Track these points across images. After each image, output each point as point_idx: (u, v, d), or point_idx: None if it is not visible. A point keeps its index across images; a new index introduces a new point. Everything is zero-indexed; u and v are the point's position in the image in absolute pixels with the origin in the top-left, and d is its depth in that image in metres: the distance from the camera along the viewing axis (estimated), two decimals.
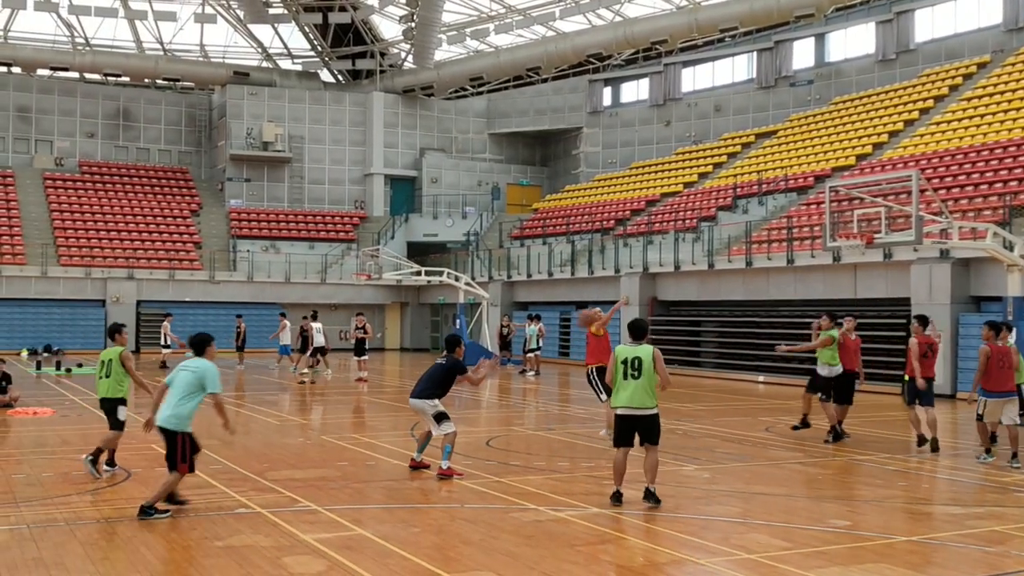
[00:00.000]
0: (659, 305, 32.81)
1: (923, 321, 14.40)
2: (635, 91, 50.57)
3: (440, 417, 11.61)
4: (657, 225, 36.56)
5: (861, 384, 15.23)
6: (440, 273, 36.93)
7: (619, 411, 10.01)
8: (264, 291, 42.89)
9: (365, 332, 27.49)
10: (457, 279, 36.35)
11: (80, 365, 29.54)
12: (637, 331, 10.16)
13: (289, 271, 43.98)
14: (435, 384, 11.88)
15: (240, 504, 9.77)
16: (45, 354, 34.13)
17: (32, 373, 27.82)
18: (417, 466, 11.91)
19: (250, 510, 9.51)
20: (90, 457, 11.31)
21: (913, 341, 14.19)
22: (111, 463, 11.70)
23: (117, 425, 11.54)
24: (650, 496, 9.88)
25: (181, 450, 9.26)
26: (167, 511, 9.19)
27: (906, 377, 14.44)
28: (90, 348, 38.14)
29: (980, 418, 13.02)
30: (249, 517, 9.22)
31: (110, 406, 11.53)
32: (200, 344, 9.73)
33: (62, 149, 48.86)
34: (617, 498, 9.92)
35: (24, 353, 35.37)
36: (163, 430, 9.33)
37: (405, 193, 51.08)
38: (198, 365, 9.54)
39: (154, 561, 7.64)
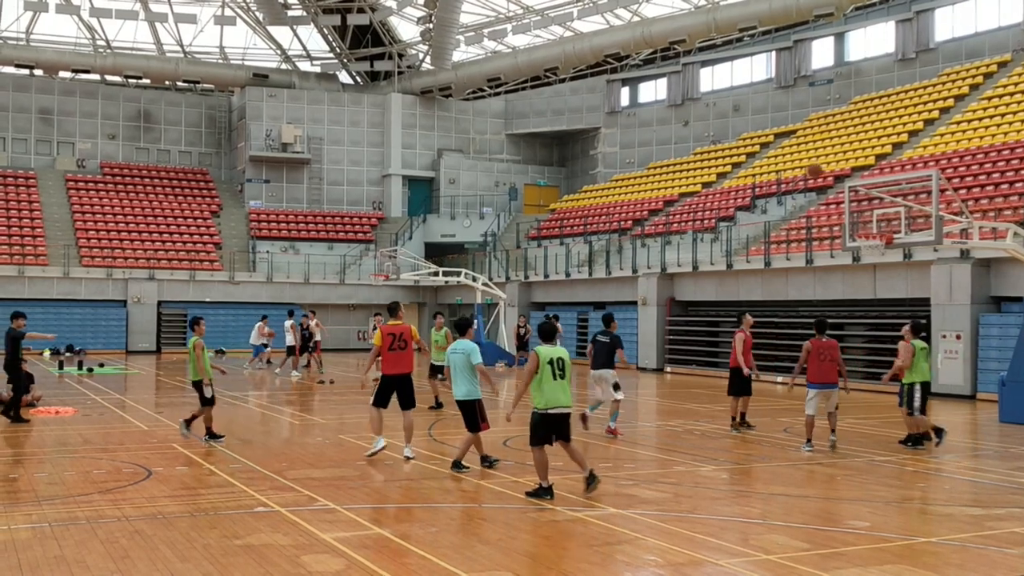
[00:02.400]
0: (677, 305, 32.74)
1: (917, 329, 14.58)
2: (653, 91, 50.49)
3: (617, 385, 14.77)
4: (675, 225, 36.48)
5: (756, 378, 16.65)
6: (457, 274, 37.01)
7: (552, 411, 10.21)
8: (283, 292, 43.08)
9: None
10: (474, 280, 36.42)
11: (102, 365, 29.77)
12: (549, 334, 10.54)
13: (308, 272, 44.17)
14: (609, 356, 14.87)
15: (259, 503, 9.83)
16: (67, 354, 34.40)
17: (54, 373, 28.05)
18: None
19: (269, 509, 9.57)
20: (184, 420, 14.43)
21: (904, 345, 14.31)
22: (211, 435, 14.08)
23: (205, 402, 14.12)
24: (593, 479, 10.29)
25: (480, 413, 11.73)
26: (469, 467, 11.76)
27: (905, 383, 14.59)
28: (112, 348, 38.48)
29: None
30: (268, 516, 9.28)
31: (194, 387, 14.28)
32: (463, 327, 12.23)
33: (84, 151, 49.25)
34: (550, 492, 10.12)
35: (47, 353, 35.67)
36: (462, 403, 11.74)
37: (423, 194, 51.20)
38: (464, 346, 11.85)
39: (174, 559, 7.71)
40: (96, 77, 50.15)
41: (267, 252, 44.97)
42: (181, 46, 50.72)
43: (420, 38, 50.12)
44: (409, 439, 12.76)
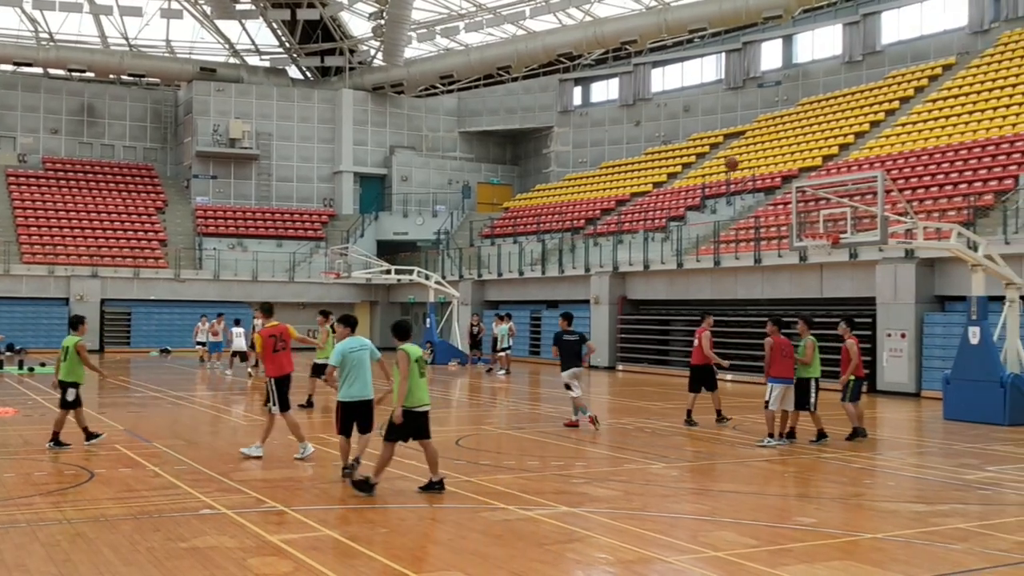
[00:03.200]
0: (629, 304, 32.91)
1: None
2: (605, 91, 50.71)
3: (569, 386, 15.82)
4: (627, 224, 36.67)
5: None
6: (410, 272, 36.83)
7: (417, 408, 10.27)
8: (231, 290, 42.51)
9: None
10: (427, 278, 36.27)
11: (43, 364, 29.13)
12: (406, 332, 10.60)
13: (257, 269, 43.64)
14: (577, 354, 15.98)
15: (205, 505, 9.67)
16: (8, 353, 33.60)
17: None
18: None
19: (215, 511, 9.41)
20: (51, 443, 13.17)
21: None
22: (56, 442, 13.20)
23: (65, 405, 13.43)
24: (436, 486, 10.34)
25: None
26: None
27: (853, 378, 14.98)
28: (53, 347, 37.55)
29: (767, 404, 14.24)
30: (214, 518, 9.13)
31: (61, 387, 13.48)
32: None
33: (25, 145, 48.17)
34: (373, 488, 10.29)
35: None
36: (365, 402, 11.02)
37: (375, 191, 50.87)
38: (365, 343, 11.29)
39: (117, 563, 7.54)
40: (39, 70, 49.09)
41: (214, 249, 44.32)
42: (126, 39, 49.79)
43: (372, 34, 49.75)
44: (302, 438, 12.75)
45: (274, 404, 12.66)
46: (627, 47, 45.59)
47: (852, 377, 14.94)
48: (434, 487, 10.35)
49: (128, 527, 8.72)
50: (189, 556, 7.77)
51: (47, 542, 8.16)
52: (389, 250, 46.45)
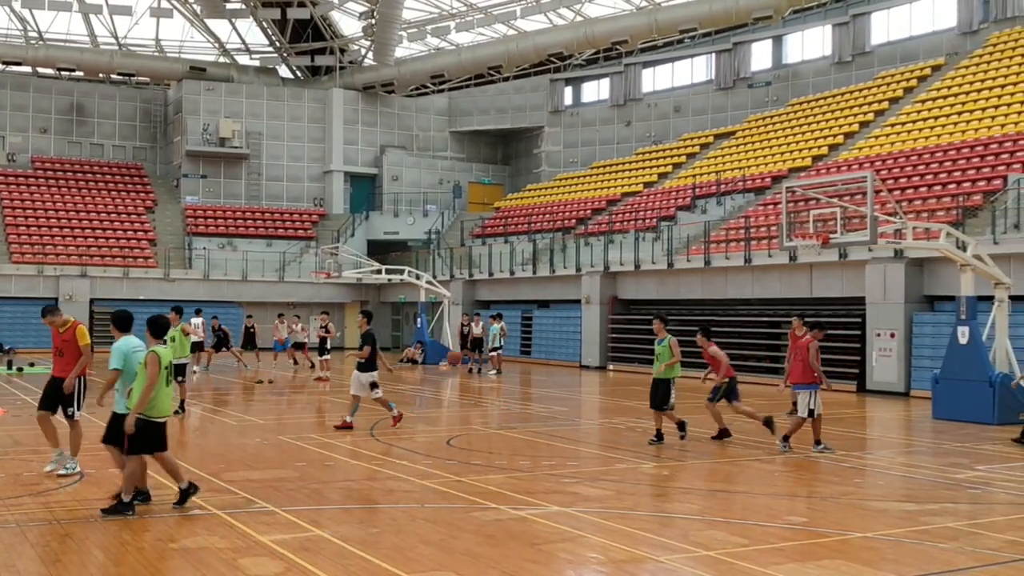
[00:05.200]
0: (619, 304, 32.95)
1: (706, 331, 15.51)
2: (596, 91, 50.75)
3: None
4: (618, 224, 36.71)
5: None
6: (401, 271, 36.80)
7: (162, 419, 9.42)
8: (221, 289, 42.39)
9: (327, 332, 27.34)
10: (418, 277, 36.24)
11: (32, 364, 29.01)
12: (163, 329, 9.74)
13: (246, 269, 43.54)
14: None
15: (195, 505, 9.63)
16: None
17: None
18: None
19: (206, 511, 9.39)
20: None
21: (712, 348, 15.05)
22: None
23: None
24: (190, 490, 9.50)
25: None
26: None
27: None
28: (42, 347, 37.43)
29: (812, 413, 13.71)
30: (205, 518, 9.11)
31: None
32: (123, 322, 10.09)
33: (14, 144, 47.94)
34: (148, 497, 9.57)
35: None
36: (123, 416, 9.48)
37: (365, 191, 50.80)
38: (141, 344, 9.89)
39: (107, 563, 7.52)
40: (28, 69, 48.87)
41: (204, 249, 44.18)
42: (116, 38, 49.60)
43: (362, 33, 49.70)
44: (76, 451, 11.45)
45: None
46: (618, 47, 45.63)
47: (725, 379, 14.86)
48: (190, 493, 9.48)
49: (118, 527, 8.69)
50: (179, 556, 7.75)
51: (37, 542, 8.13)
52: (380, 250, 46.40)
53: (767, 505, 10.24)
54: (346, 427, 15.57)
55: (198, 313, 28.35)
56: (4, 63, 47.81)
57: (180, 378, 16.87)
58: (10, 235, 42.02)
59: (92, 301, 40.03)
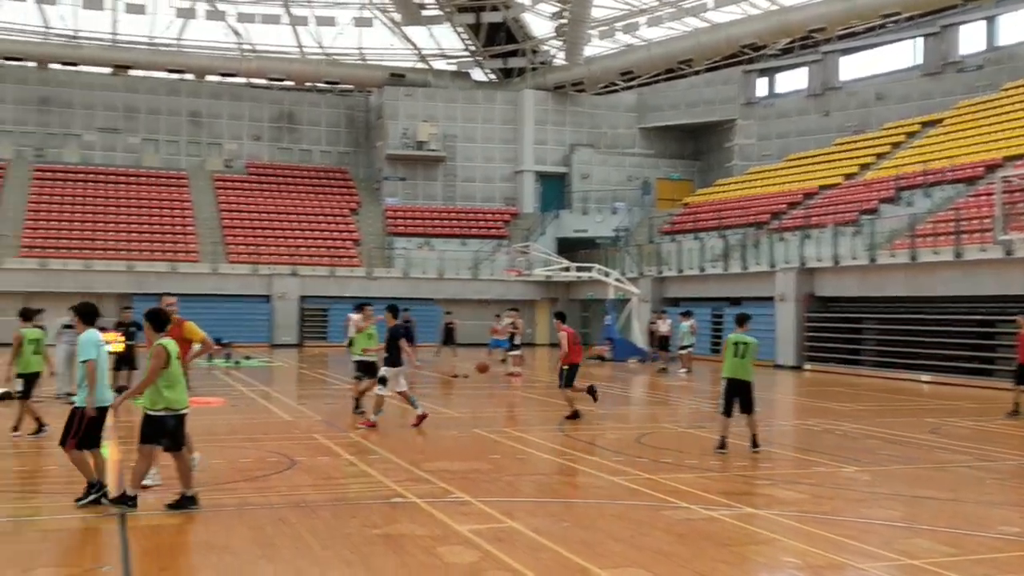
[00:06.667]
0: (816, 301, 31.82)
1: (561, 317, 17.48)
2: (791, 81, 49.14)
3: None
4: (815, 219, 35.44)
5: None
6: (589, 269, 36.94)
7: (182, 411, 9.25)
8: (419, 287, 43.91)
9: (515, 328, 27.81)
10: (607, 275, 36.28)
11: (248, 358, 31.04)
12: (165, 323, 9.42)
13: (443, 267, 44.93)
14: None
15: (396, 494, 10.06)
16: (216, 346, 35.96)
17: (203, 365, 29.37)
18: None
19: (406, 500, 9.78)
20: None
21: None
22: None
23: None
24: (190, 500, 9.19)
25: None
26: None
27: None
28: (257, 341, 40.07)
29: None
30: (405, 507, 9.49)
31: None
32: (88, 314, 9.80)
33: (231, 151, 51.39)
34: (134, 500, 9.13)
35: (196, 346, 37.34)
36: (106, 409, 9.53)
37: (555, 189, 51.32)
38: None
39: (316, 547, 7.97)
40: (242, 80, 52.25)
41: (403, 248, 45.98)
42: (322, 48, 52.31)
43: (553, 33, 50.22)
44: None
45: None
46: (814, 35, 44.05)
47: (566, 365, 16.41)
48: (189, 502, 9.19)
49: (326, 513, 9.19)
50: (382, 542, 8.12)
51: (252, 525, 8.68)
52: (569, 247, 46.75)
53: (977, 513, 9.67)
54: (421, 419, 15.35)
55: (360, 308, 29.15)
56: (221, 75, 51.32)
57: (359, 375, 17.10)
58: (227, 236, 45.05)
59: (302, 298, 42.41)
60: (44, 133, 48.68)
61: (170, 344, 9.23)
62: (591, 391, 17.16)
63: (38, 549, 7.96)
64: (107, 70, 50.09)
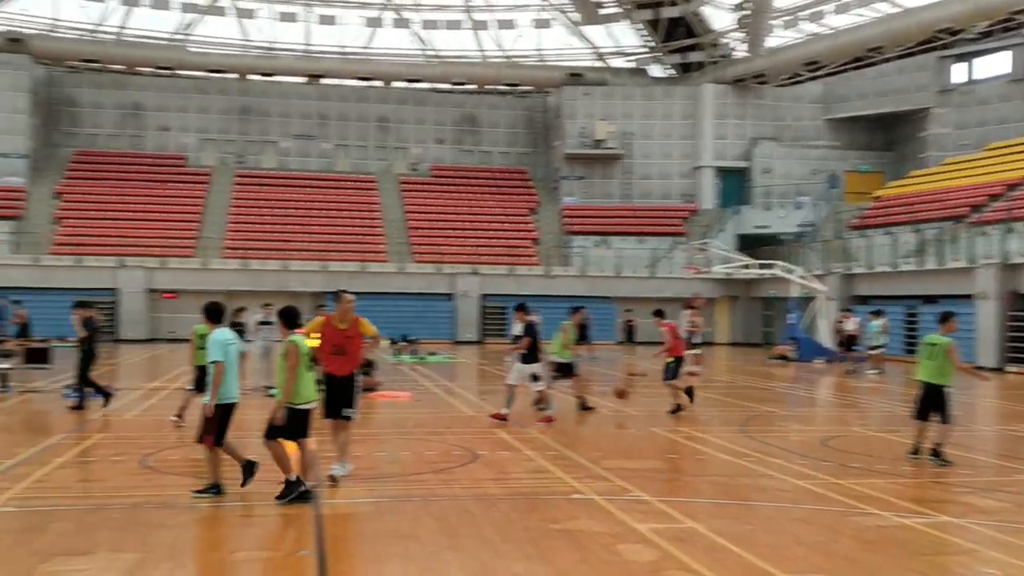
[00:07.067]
0: (1020, 299, 29.80)
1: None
2: (992, 66, 46.12)
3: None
4: (1018, 211, 33.20)
5: None
6: (771, 266, 35.97)
7: (307, 406, 9.45)
8: (596, 285, 43.98)
9: (694, 326, 27.39)
10: (790, 272, 35.23)
11: (433, 354, 31.97)
12: (295, 319, 9.67)
13: (619, 265, 44.84)
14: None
15: (575, 490, 10.14)
16: (402, 343, 37.27)
17: (390, 360, 30.48)
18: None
19: (584, 496, 9.85)
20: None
21: None
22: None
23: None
24: (304, 493, 9.27)
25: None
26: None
27: None
28: (440, 338, 41.21)
29: None
30: (583, 503, 9.56)
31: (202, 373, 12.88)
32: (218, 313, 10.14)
33: (416, 155, 53.05)
34: (303, 488, 9.32)
35: (385, 342, 38.81)
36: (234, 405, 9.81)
37: (736, 185, 50.23)
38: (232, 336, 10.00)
39: (498, 540, 8.15)
40: (426, 85, 53.84)
41: (580, 247, 46.19)
42: (502, 51, 53.24)
43: (734, 26, 49.20)
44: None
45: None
46: (1016, 17, 41.24)
47: (670, 359, 16.89)
48: (302, 494, 9.28)
49: (506, 506, 9.38)
50: (561, 538, 8.22)
51: (438, 516, 8.97)
52: (750, 244, 45.66)
53: None
54: (500, 419, 15.38)
55: (520, 308, 29.31)
56: (407, 81, 53.10)
57: (556, 375, 17.36)
58: (412, 237, 46.55)
59: (483, 296, 43.32)
60: (244, 141, 51.75)
61: (300, 340, 9.48)
62: (688, 392, 17.96)
63: (240, 534, 8.51)
64: (301, 79, 52.77)
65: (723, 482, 11.04)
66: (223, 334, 9.73)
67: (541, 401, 15.74)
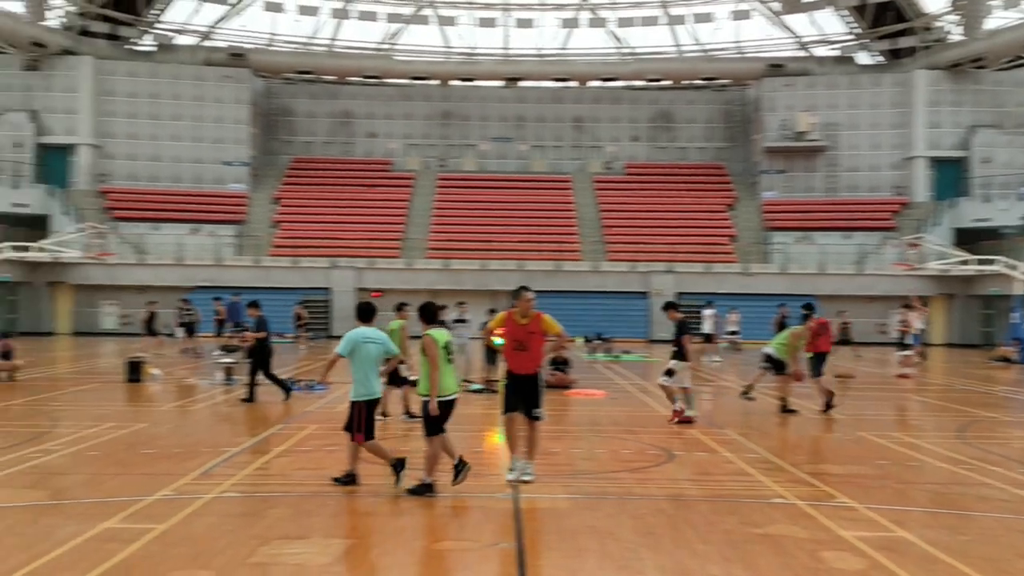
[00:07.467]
0: None
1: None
2: None
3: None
4: None
5: None
6: (992, 262, 33.69)
7: (449, 397, 9.72)
8: (798, 283, 42.51)
9: (906, 325, 26.09)
10: (1013, 268, 32.88)
11: (627, 352, 31.90)
12: (433, 315, 10.07)
13: (823, 262, 43.18)
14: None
15: (776, 494, 9.88)
16: (597, 341, 37.39)
17: (585, 358, 30.63)
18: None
19: (786, 500, 9.58)
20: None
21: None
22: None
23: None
24: (427, 487, 9.61)
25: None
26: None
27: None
28: (634, 337, 41.02)
29: None
30: (785, 507, 9.30)
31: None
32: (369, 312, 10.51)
33: (610, 154, 53.06)
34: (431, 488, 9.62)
35: (580, 340, 39.03)
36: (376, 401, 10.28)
37: (951, 176, 47.31)
38: (378, 335, 10.32)
39: (695, 541, 8.06)
40: (621, 83, 53.75)
41: (781, 243, 44.78)
42: (699, 44, 52.40)
43: (949, 8, 46.38)
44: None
45: None
46: None
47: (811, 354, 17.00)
48: (426, 489, 9.55)
49: (704, 508, 9.26)
50: (762, 542, 8.03)
51: (634, 514, 8.96)
52: (969, 239, 42.88)
53: None
54: (685, 421, 14.98)
55: (708, 305, 29.46)
56: (602, 80, 53.20)
57: (766, 366, 17.29)
58: (606, 236, 46.59)
59: (678, 295, 42.77)
60: (445, 144, 53.38)
61: (437, 334, 9.77)
62: (828, 406, 16.84)
63: (444, 524, 8.81)
64: (499, 83, 53.86)
65: (937, 490, 10.46)
66: (361, 332, 10.11)
67: (671, 396, 15.50)
